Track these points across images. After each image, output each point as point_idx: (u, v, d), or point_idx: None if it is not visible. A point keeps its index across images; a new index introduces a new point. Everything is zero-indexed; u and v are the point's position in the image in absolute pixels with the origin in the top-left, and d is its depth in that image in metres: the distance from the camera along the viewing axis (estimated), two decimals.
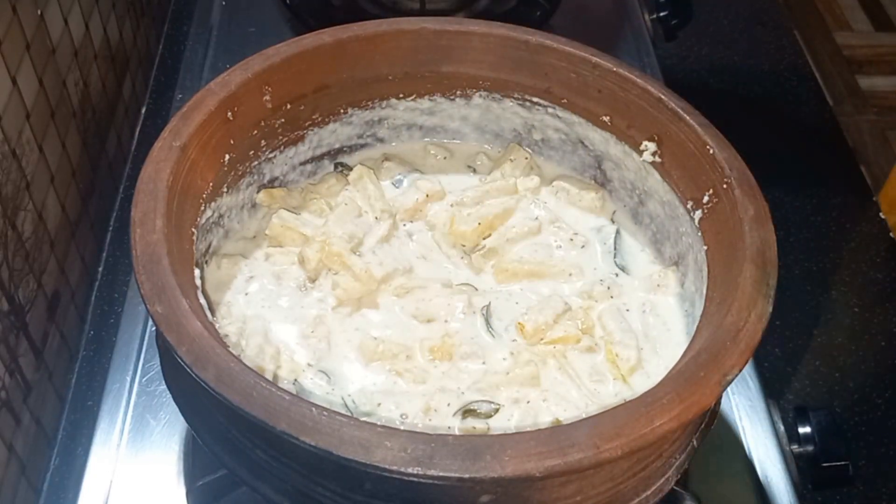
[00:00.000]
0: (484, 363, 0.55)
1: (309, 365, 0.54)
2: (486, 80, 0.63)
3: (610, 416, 0.43)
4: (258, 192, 0.62)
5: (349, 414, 0.50)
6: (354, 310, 0.57)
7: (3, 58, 0.60)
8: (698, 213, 0.56)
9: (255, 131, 0.58)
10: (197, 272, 0.52)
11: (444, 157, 0.67)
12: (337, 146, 0.65)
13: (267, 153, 0.61)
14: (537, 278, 0.60)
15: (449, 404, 0.52)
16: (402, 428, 0.43)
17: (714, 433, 0.52)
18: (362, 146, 0.67)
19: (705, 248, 0.55)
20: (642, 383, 0.55)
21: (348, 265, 0.58)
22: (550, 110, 0.63)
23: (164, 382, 0.53)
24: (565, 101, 0.62)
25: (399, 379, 0.54)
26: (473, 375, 0.54)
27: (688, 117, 0.56)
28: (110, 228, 0.83)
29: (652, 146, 0.59)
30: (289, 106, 0.60)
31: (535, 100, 0.63)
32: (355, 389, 0.53)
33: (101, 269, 0.80)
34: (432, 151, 0.67)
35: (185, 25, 0.98)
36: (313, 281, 0.58)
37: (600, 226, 0.63)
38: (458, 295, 0.57)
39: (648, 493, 0.48)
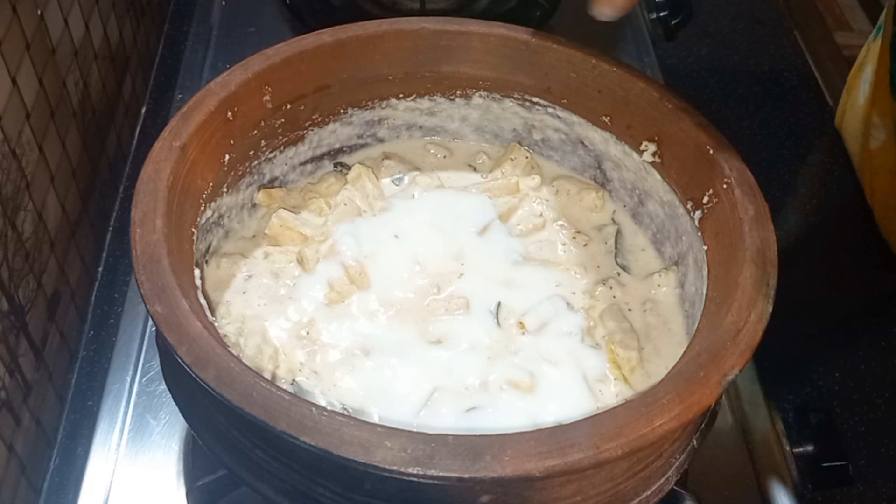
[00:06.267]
0: (484, 361, 0.55)
1: (304, 364, 0.54)
2: (486, 80, 0.63)
3: (610, 416, 0.43)
4: (258, 191, 0.62)
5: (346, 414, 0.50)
6: (350, 309, 0.57)
7: (3, 58, 0.60)
8: (698, 213, 0.56)
9: (255, 131, 0.58)
10: (197, 272, 0.52)
11: (444, 157, 0.67)
12: (337, 146, 0.65)
13: (267, 153, 0.61)
14: (543, 274, 0.60)
15: (449, 404, 0.52)
16: (401, 428, 0.43)
17: (714, 433, 0.52)
18: (362, 146, 0.67)
19: (705, 248, 0.55)
20: (643, 383, 0.55)
21: (346, 265, 0.58)
22: (550, 110, 0.63)
23: (164, 382, 0.53)
24: (565, 101, 0.62)
25: (396, 378, 0.54)
26: (473, 374, 0.54)
27: (688, 117, 0.56)
28: (110, 228, 0.83)
29: (652, 146, 0.59)
30: (289, 106, 0.60)
31: (535, 100, 0.63)
32: (352, 389, 0.53)
33: (101, 269, 0.80)
34: (432, 150, 0.67)
35: (185, 25, 0.98)
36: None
37: (601, 225, 0.63)
38: (457, 298, 0.57)
39: (648, 493, 0.48)
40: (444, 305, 0.57)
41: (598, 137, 0.63)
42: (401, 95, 0.64)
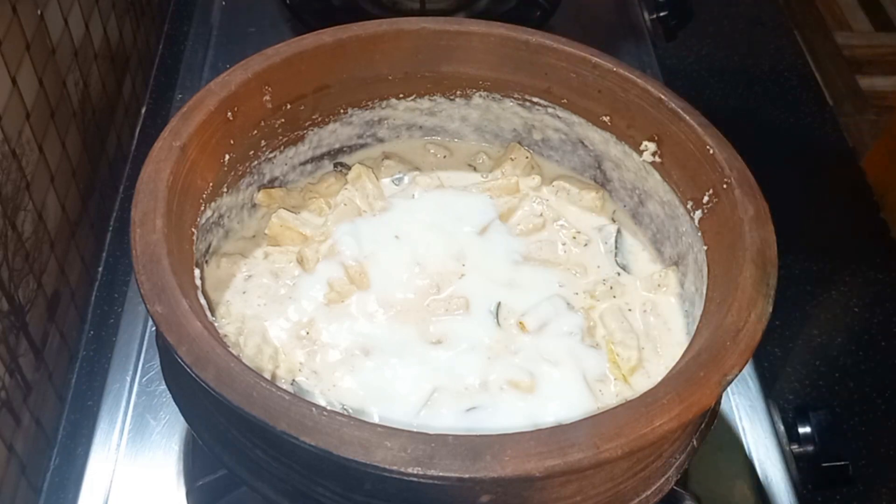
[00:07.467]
0: (484, 361, 0.55)
1: (304, 364, 0.54)
2: (486, 80, 0.63)
3: (610, 416, 0.43)
4: (258, 191, 0.62)
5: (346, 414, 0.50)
6: (350, 309, 0.57)
7: (3, 58, 0.60)
8: (698, 213, 0.56)
9: (255, 131, 0.58)
10: (197, 272, 0.52)
11: (444, 156, 0.67)
12: (337, 146, 0.65)
13: (267, 153, 0.61)
14: (543, 274, 0.60)
15: (449, 404, 0.52)
16: (401, 428, 0.43)
17: (714, 433, 0.52)
18: (362, 146, 0.67)
19: (705, 248, 0.55)
20: (643, 383, 0.55)
21: (346, 265, 0.58)
22: (550, 110, 0.63)
23: (164, 382, 0.53)
24: (565, 101, 0.62)
25: (396, 378, 0.54)
26: (473, 374, 0.54)
27: (688, 117, 0.56)
28: (110, 228, 0.83)
29: (652, 146, 0.59)
30: (289, 106, 0.60)
31: (535, 100, 0.63)
32: (352, 389, 0.53)
33: (101, 269, 0.80)
34: (432, 150, 0.67)
35: (185, 25, 0.98)
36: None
37: (601, 225, 0.63)
38: (457, 298, 0.57)
39: (648, 493, 0.48)
40: (444, 305, 0.57)
41: (598, 137, 0.63)
42: (401, 95, 0.64)
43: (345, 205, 0.62)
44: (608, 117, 0.61)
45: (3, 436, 0.60)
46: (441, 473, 0.40)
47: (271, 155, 0.61)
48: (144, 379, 0.66)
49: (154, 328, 0.65)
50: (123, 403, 0.65)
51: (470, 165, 0.67)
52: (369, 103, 0.64)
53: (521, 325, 0.56)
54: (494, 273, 0.60)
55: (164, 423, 0.63)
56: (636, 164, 0.61)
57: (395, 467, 0.40)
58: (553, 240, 0.62)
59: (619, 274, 0.61)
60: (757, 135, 0.96)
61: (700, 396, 0.44)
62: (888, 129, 1.07)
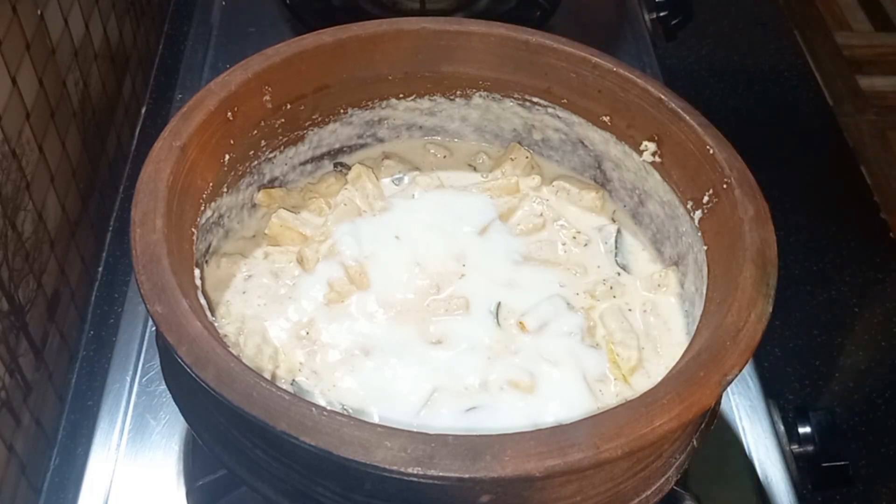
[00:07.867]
0: (484, 361, 0.55)
1: (304, 364, 0.54)
2: (486, 80, 0.63)
3: (610, 416, 0.43)
4: (258, 191, 0.62)
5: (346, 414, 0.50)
6: (350, 309, 0.57)
7: (3, 58, 0.60)
8: (698, 213, 0.56)
9: (255, 131, 0.58)
10: (197, 272, 0.52)
11: (444, 156, 0.67)
12: (337, 146, 0.65)
13: (267, 153, 0.61)
14: (543, 273, 0.60)
15: (449, 404, 0.52)
16: (401, 428, 0.43)
17: (714, 433, 0.52)
18: (362, 146, 0.67)
19: (705, 248, 0.55)
20: (643, 383, 0.55)
21: (346, 266, 0.58)
22: (550, 110, 0.63)
23: (164, 382, 0.53)
24: (565, 101, 0.62)
25: (396, 378, 0.54)
26: (473, 374, 0.54)
27: (688, 117, 0.56)
28: (110, 228, 0.83)
29: (652, 146, 0.59)
30: (289, 106, 0.60)
31: (535, 100, 0.63)
32: (352, 389, 0.53)
33: (101, 269, 0.80)
34: (432, 150, 0.67)
35: (185, 25, 0.98)
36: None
37: (601, 225, 0.63)
38: (457, 298, 0.57)
39: (648, 493, 0.48)
40: (444, 305, 0.57)
41: (598, 137, 0.63)
42: (401, 95, 0.64)
43: (345, 205, 0.62)
44: (608, 117, 0.61)
45: (3, 436, 0.60)
46: (441, 473, 0.40)
47: (271, 155, 0.61)
48: (144, 379, 0.66)
49: (154, 328, 0.65)
50: (123, 403, 0.65)
51: (470, 165, 0.67)
52: (369, 103, 0.64)
53: (521, 325, 0.56)
54: (494, 273, 0.60)
55: (164, 423, 0.63)
56: (636, 164, 0.61)
57: (395, 467, 0.40)
58: (553, 240, 0.62)
59: (619, 274, 0.61)
60: (757, 135, 0.96)
61: (700, 396, 0.44)
62: None
